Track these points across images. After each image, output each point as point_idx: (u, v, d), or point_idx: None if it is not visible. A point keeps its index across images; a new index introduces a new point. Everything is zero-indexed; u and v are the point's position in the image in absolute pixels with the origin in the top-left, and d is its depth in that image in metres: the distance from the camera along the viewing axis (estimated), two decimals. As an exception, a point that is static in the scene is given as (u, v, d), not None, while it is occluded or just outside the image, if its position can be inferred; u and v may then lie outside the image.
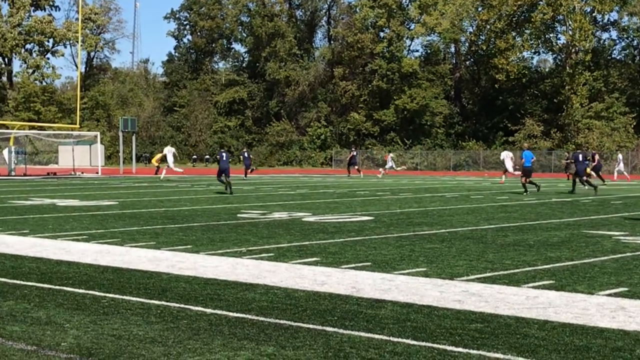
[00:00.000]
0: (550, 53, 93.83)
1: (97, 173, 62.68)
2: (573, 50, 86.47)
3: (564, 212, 25.21)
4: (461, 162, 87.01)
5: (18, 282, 11.55)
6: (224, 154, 37.63)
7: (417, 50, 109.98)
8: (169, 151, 53.19)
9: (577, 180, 36.45)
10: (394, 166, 52.62)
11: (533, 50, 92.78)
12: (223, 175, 36.73)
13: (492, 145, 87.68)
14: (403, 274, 12.18)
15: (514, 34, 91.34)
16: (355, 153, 62.27)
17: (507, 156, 48.59)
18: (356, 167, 61.08)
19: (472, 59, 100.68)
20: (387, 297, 10.37)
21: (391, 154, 55.24)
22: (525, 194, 35.06)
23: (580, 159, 35.39)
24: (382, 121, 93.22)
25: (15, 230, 18.80)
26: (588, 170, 38.66)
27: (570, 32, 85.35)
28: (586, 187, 37.05)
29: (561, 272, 12.39)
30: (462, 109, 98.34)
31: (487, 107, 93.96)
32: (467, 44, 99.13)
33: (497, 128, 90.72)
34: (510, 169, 47.96)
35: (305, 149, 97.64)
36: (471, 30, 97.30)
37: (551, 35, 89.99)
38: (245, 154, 38.27)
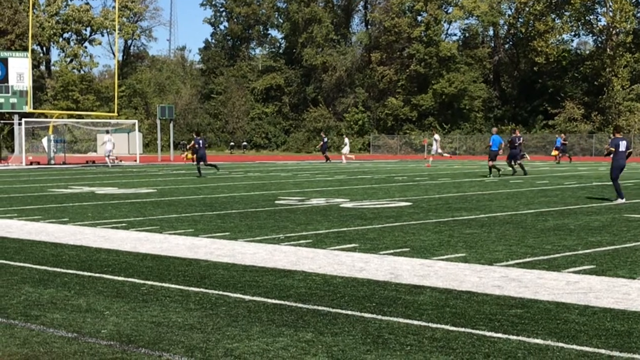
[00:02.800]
0: (591, 35, 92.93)
1: (136, 161, 63.04)
2: (614, 31, 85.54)
3: (605, 195, 25.01)
4: (501, 146, 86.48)
5: (58, 270, 11.67)
6: (200, 141, 39.68)
7: (455, 34, 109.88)
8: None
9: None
10: (439, 150, 52.16)
11: (573, 33, 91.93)
12: (201, 161, 39.46)
13: (532, 129, 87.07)
14: (442, 259, 12.17)
15: (553, 16, 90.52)
16: (326, 140, 63.74)
17: (436, 139, 53.17)
18: (324, 153, 61.86)
19: (511, 42, 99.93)
20: (425, 282, 10.37)
21: (436, 136, 54.53)
22: (489, 176, 36.60)
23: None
24: (420, 106, 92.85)
25: (55, 218, 18.97)
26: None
27: (611, 14, 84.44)
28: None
29: (602, 257, 12.32)
30: (501, 93, 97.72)
31: (526, 91, 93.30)
32: (505, 27, 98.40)
33: (536, 112, 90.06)
34: (434, 152, 52.55)
35: (342, 134, 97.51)
36: (510, 12, 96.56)
37: (591, 17, 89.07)
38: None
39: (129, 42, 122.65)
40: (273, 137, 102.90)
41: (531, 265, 11.55)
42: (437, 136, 54.91)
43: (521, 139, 39.91)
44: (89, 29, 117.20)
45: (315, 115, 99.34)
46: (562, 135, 60.91)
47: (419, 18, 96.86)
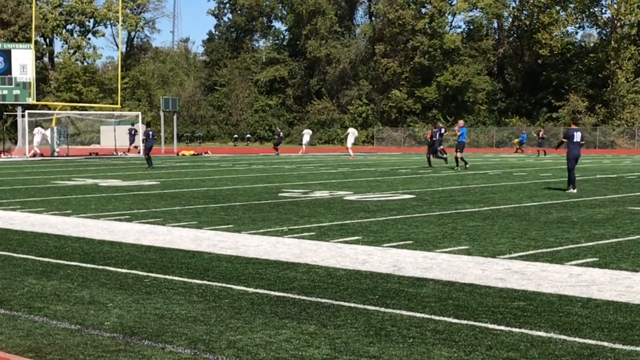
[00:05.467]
0: (595, 27, 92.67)
1: (139, 153, 63.05)
2: (618, 24, 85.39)
3: (609, 188, 25.03)
4: (504, 139, 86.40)
5: (62, 262, 11.70)
6: (150, 132, 41.25)
7: (460, 26, 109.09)
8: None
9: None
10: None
11: (577, 25, 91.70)
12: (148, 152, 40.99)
13: (535, 121, 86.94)
14: (445, 252, 12.19)
15: (557, 8, 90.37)
16: (281, 134, 65.15)
17: (352, 132, 54.85)
18: (277, 146, 62.56)
19: (515, 35, 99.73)
20: (428, 275, 10.39)
21: (442, 129, 53.77)
22: (456, 168, 37.18)
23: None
24: (424, 98, 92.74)
25: (59, 210, 19.01)
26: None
27: (616, 6, 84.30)
28: None
29: (605, 250, 12.33)
30: (505, 85, 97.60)
31: (530, 83, 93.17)
32: (510, 19, 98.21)
33: (540, 104, 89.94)
34: (349, 144, 54.32)
35: (346, 127, 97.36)
36: (514, 5, 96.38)
37: (596, 9, 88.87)
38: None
39: (133, 33, 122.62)
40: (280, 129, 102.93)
41: (534, 258, 11.57)
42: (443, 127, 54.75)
43: (442, 130, 40.15)
44: (92, 20, 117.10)
45: (319, 108, 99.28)
46: (542, 129, 62.37)
47: (423, 10, 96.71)
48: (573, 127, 24.21)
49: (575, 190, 23.38)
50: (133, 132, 64.04)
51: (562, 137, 24.07)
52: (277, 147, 62.29)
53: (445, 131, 43.16)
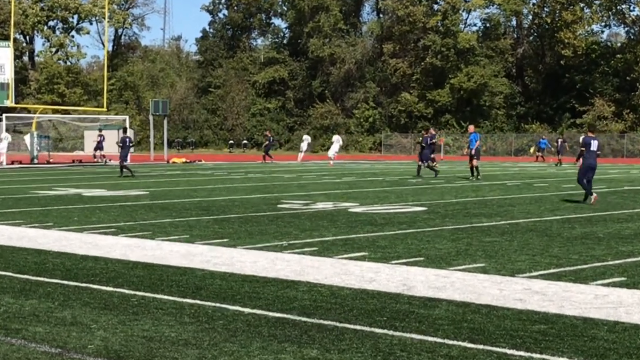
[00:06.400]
0: (623, 26, 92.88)
1: (104, 160, 63.07)
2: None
3: (637, 201, 25.01)
4: (524, 146, 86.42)
5: (41, 279, 11.68)
6: (127, 139, 41.91)
7: (475, 24, 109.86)
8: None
9: None
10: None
11: (603, 23, 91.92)
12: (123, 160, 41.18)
13: (557, 127, 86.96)
14: (459, 270, 12.17)
15: (581, 5, 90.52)
16: (271, 139, 65.52)
17: (337, 140, 56.50)
18: (268, 152, 62.73)
19: (535, 33, 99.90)
20: (441, 295, 10.36)
21: (435, 135, 52.62)
22: (471, 178, 37.00)
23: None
24: (436, 102, 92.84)
25: (39, 222, 18.99)
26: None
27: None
28: None
29: (634, 268, 12.30)
30: (524, 88, 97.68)
31: (552, 86, 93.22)
32: (530, 17, 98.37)
33: (563, 109, 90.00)
34: (333, 153, 56.14)
35: (351, 132, 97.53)
36: (534, 1, 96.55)
37: (623, 6, 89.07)
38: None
39: (120, 31, 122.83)
40: (276, 135, 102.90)
41: (556, 277, 11.54)
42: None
43: (435, 137, 40.24)
44: (76, 16, 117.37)
45: (322, 112, 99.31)
46: (561, 137, 62.80)
47: (435, 6, 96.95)
48: (590, 134, 24.35)
49: (594, 197, 23.59)
50: (102, 139, 63.49)
51: (580, 145, 24.25)
52: (269, 152, 62.29)
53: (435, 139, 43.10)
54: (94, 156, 62.53)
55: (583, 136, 24.85)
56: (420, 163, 39.87)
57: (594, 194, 23.77)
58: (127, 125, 68.99)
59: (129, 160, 43.61)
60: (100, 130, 66.43)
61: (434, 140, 40.44)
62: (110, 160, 62.11)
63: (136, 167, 52.02)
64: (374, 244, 15.03)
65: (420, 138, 41.32)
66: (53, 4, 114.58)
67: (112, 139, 68.27)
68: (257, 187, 31.93)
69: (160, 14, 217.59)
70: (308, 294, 10.46)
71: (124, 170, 40.68)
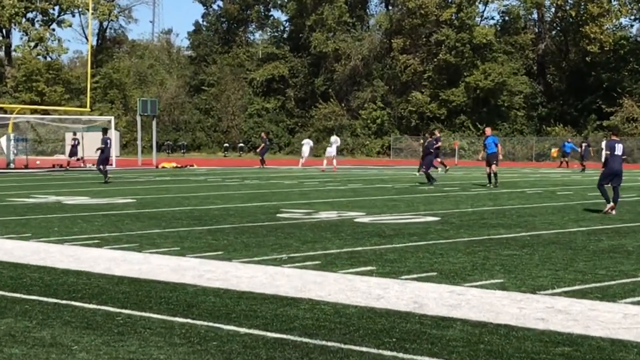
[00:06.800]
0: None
1: (111, 165, 63.02)
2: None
3: (670, 211, 25.01)
4: (545, 150, 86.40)
5: (18, 295, 11.67)
6: (109, 141, 41.75)
7: (493, 17, 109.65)
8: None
9: None
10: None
11: (632, 17, 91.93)
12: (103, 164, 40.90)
13: (582, 130, 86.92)
14: (475, 286, 12.16)
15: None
16: (267, 142, 66.01)
17: (307, 143, 58.51)
18: (263, 156, 63.13)
19: (558, 27, 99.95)
20: (455, 314, 10.35)
21: (440, 138, 51.85)
22: (488, 185, 37.09)
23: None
24: (449, 102, 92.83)
25: (15, 233, 18.99)
26: None
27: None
28: None
29: (666, 285, 12.30)
30: (546, 88, 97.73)
31: (576, 85, 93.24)
32: (552, 9, 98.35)
33: (588, 110, 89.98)
34: (304, 158, 58.23)
35: (358, 135, 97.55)
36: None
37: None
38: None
39: (105, 24, 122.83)
40: (275, 137, 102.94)
41: (581, 294, 11.53)
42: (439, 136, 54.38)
43: (440, 140, 40.21)
44: (57, 8, 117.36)
45: (325, 112, 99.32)
46: (584, 141, 62.82)
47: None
48: (613, 138, 24.42)
49: (609, 206, 23.77)
50: (76, 142, 62.96)
51: (604, 150, 24.38)
52: (263, 157, 62.28)
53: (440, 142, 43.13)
54: (68, 163, 61.88)
55: (605, 140, 24.95)
56: (424, 170, 39.47)
57: (611, 203, 23.83)
58: (113, 126, 69.21)
59: (111, 164, 42.91)
60: (74, 133, 66.05)
61: (439, 144, 40.37)
62: (91, 165, 61.75)
63: (123, 173, 52.06)
64: (382, 257, 15.03)
65: (425, 141, 41.13)
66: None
67: (92, 143, 67.45)
68: (255, 195, 31.93)
69: (149, 5, 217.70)
70: (310, 313, 10.45)
71: (102, 173, 40.62)
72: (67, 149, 65.30)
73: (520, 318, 10.12)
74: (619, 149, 23.93)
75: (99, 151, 41.02)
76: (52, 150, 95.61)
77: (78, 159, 61.72)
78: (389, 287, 12.14)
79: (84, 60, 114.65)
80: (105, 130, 42.79)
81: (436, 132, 44.89)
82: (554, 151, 71.17)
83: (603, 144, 51.28)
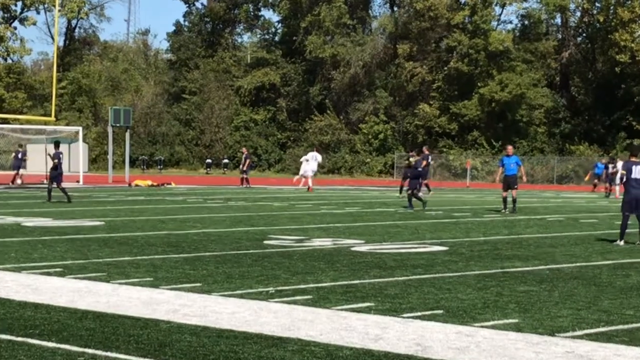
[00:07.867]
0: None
1: (78, 182, 62.97)
2: None
3: None
4: (569, 172, 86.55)
5: (-32, 330, 11.65)
6: (60, 155, 41.64)
7: (511, 21, 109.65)
8: None
9: None
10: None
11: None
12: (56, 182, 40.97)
13: (610, 149, 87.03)
14: (486, 326, 12.17)
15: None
16: (249, 156, 66.32)
17: (313, 158, 58.80)
18: (246, 174, 63.42)
19: (584, 34, 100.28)
20: (464, 358, 10.36)
21: (429, 156, 51.61)
22: (503, 211, 37.40)
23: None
24: (461, 116, 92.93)
25: (-33, 259, 18.98)
26: None
27: None
28: None
29: (703, 328, 12.29)
30: (570, 101, 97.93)
31: (604, 99, 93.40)
32: (578, 14, 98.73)
33: (617, 127, 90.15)
34: (301, 174, 58.53)
35: (357, 152, 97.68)
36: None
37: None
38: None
39: (74, 22, 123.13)
40: (264, 153, 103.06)
41: (606, 338, 11.54)
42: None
43: (429, 158, 40.28)
44: (20, 3, 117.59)
45: (321, 126, 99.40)
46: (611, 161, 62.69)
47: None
48: (633, 159, 24.07)
49: (622, 243, 23.85)
50: (20, 156, 62.37)
51: (620, 171, 24.37)
52: (246, 175, 62.23)
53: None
54: (14, 178, 61.02)
55: (622, 162, 24.80)
56: (411, 191, 39.02)
57: (623, 240, 23.99)
58: (81, 138, 69.19)
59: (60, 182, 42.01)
60: (20, 146, 65.76)
61: (429, 162, 40.44)
62: (24, 182, 60.82)
63: (90, 191, 52.04)
64: (382, 292, 15.04)
65: (413, 160, 40.97)
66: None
67: (37, 156, 66.31)
68: (240, 218, 31.95)
69: (123, 2, 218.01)
70: (299, 355, 10.45)
71: (60, 193, 40.80)
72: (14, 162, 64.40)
73: (537, 364, 10.12)
74: (636, 172, 23.59)
75: (53, 169, 40.72)
76: (11, 164, 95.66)
77: (16, 174, 60.88)
78: (388, 326, 12.14)
79: (50, 63, 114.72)
80: (57, 144, 42.54)
81: (425, 148, 44.98)
82: (587, 175, 71.32)
83: (619, 165, 51.61)
